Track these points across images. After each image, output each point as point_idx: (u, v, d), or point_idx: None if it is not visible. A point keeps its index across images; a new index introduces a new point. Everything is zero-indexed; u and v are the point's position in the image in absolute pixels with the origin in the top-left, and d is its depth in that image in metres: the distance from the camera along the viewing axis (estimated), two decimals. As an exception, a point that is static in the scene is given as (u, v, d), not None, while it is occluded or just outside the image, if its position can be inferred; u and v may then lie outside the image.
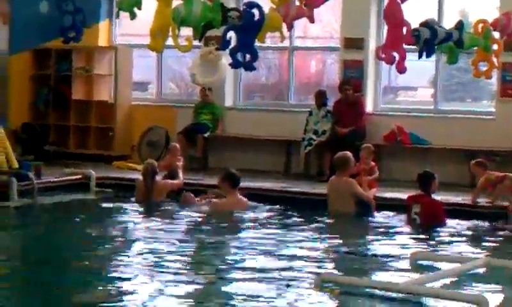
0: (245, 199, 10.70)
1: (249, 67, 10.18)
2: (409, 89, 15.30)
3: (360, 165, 11.16)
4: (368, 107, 13.67)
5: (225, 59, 11.52)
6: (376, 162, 11.60)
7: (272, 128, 13.99)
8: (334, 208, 10.66)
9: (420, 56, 10.33)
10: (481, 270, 7.63)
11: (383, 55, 10.42)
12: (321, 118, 13.41)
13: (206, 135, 14.14)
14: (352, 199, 10.56)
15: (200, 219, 10.18)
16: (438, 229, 9.81)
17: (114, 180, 12.52)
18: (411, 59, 10.70)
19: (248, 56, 10.08)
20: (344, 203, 10.55)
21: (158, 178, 11.32)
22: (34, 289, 6.85)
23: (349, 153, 10.80)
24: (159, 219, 10.10)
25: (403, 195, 10.77)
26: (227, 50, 10.35)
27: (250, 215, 10.48)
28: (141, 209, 10.78)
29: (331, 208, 10.69)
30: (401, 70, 10.26)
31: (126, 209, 10.84)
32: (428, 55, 10.42)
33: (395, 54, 10.23)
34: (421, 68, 13.51)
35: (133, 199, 11.26)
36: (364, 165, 11.21)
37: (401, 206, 10.45)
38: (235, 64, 10.23)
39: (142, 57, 15.38)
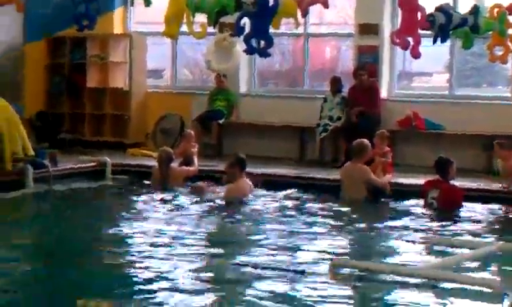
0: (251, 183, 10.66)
1: (263, 53, 10.20)
2: (424, 74, 15.22)
3: (374, 151, 11.13)
4: (383, 93, 13.63)
5: (240, 45, 11.53)
6: (391, 148, 11.56)
7: (287, 114, 13.98)
8: (347, 194, 10.65)
9: (434, 41, 10.31)
10: (496, 255, 7.62)
11: (398, 41, 10.40)
12: (336, 104, 13.39)
13: (221, 121, 14.15)
14: (365, 185, 10.55)
15: (213, 206, 10.17)
16: (454, 214, 9.79)
17: (129, 166, 12.55)
18: (426, 45, 10.67)
19: (262, 42, 10.08)
20: (358, 189, 10.54)
21: (174, 165, 11.33)
22: (53, 275, 6.90)
23: (366, 141, 10.79)
24: (174, 206, 10.11)
25: (418, 180, 10.77)
26: (241, 37, 10.35)
27: (264, 201, 10.49)
28: (157, 196, 10.79)
29: (345, 194, 10.69)
30: (416, 55, 10.25)
31: (141, 196, 10.86)
32: (443, 41, 10.41)
33: (410, 39, 10.21)
34: (436, 54, 13.47)
35: (149, 184, 11.29)
36: (378, 150, 11.19)
37: (416, 192, 10.44)
38: (249, 51, 10.25)
39: (157, 44, 15.40)
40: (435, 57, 13.78)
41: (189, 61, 16.09)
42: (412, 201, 10.44)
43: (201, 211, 9.86)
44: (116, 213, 9.77)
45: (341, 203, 10.49)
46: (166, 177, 11.10)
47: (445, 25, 10.26)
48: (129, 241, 8.28)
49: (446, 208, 9.88)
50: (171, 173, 11.16)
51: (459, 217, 9.72)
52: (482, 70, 14.21)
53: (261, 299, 6.15)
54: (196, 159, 11.67)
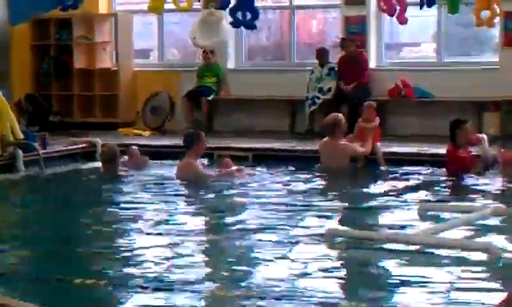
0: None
1: (249, 25, 10.15)
2: (412, 44, 15.15)
3: (362, 122, 11.04)
4: (372, 63, 13.58)
5: (226, 20, 11.45)
6: (379, 117, 11.46)
7: (276, 88, 13.91)
8: (329, 165, 10.50)
9: (421, 7, 10.27)
10: (490, 219, 7.62)
11: (385, 7, 10.36)
12: (325, 75, 13.35)
13: (210, 98, 14.09)
14: (348, 157, 10.49)
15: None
16: (451, 179, 9.77)
17: (120, 146, 12.45)
18: (413, 15, 10.62)
19: (248, 15, 10.03)
20: (340, 161, 10.45)
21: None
22: (45, 258, 6.87)
23: (339, 115, 10.68)
24: (164, 187, 10.05)
25: (409, 149, 10.77)
26: (227, 11, 10.29)
27: (256, 173, 10.46)
28: (146, 177, 10.70)
29: (326, 165, 10.56)
30: (402, 20, 10.22)
31: (132, 175, 10.80)
32: (429, 6, 10.36)
33: (396, 5, 10.18)
34: (423, 23, 13.47)
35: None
36: (366, 121, 11.08)
37: (406, 160, 10.45)
38: (235, 24, 10.19)
39: (143, 24, 15.29)
40: (422, 27, 13.77)
41: (177, 38, 15.97)
42: (404, 169, 10.45)
43: (192, 190, 9.80)
44: (107, 195, 9.71)
45: (324, 173, 10.42)
46: (113, 176, 10.61)
47: (431, -10, 10.22)
48: (121, 222, 8.23)
49: (452, 170, 9.77)
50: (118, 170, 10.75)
51: (452, 182, 9.73)
52: (470, 37, 14.14)
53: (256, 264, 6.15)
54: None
